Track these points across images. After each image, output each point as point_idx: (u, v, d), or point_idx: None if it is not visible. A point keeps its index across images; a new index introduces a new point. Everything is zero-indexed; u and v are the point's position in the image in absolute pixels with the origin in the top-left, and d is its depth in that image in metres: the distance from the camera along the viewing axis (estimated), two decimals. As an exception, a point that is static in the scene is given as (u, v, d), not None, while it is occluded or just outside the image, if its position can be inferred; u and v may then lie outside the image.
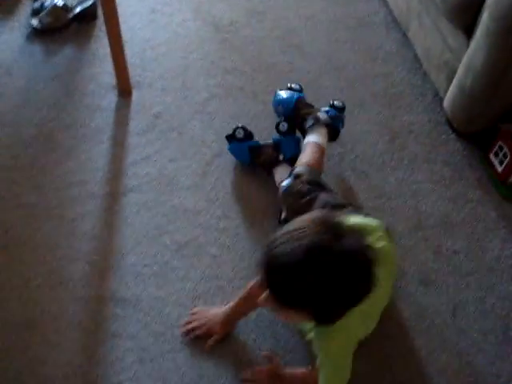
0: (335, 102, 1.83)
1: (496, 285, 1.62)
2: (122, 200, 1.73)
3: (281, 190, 1.55)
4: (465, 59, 1.75)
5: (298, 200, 1.47)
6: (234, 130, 1.78)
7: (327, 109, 1.80)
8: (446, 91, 1.89)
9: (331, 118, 1.76)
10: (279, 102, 1.84)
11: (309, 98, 1.88)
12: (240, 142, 1.77)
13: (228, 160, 1.81)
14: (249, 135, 1.78)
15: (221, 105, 1.96)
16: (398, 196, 1.76)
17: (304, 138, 1.74)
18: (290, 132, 1.77)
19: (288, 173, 1.60)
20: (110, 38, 1.77)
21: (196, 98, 1.97)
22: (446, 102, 1.89)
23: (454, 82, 1.82)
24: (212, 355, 1.46)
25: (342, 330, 1.21)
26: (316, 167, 1.60)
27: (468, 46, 1.73)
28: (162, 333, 1.49)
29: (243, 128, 1.78)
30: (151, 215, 1.70)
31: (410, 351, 1.49)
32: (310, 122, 1.73)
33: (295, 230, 1.08)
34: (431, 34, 1.93)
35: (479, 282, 1.62)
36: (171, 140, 1.87)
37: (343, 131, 1.84)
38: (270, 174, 1.74)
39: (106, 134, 1.86)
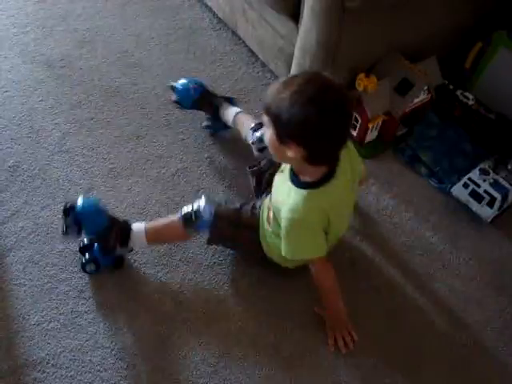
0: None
1: (382, 234, 1.78)
2: (4, 262, 1.62)
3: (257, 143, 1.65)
4: (298, 42, 1.87)
5: None
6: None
7: None
8: (287, 75, 2.00)
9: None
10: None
11: (161, 110, 2.01)
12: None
13: (101, 192, 1.78)
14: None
15: (77, 140, 1.91)
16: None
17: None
18: None
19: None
20: None
21: (49, 140, 1.90)
22: (291, 86, 2.01)
23: (293, 65, 1.93)
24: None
25: (310, 199, 1.36)
26: None
27: (297, 29, 1.85)
28: (91, 381, 1.44)
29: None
30: (40, 268, 1.62)
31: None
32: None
33: (295, 91, 1.23)
34: (260, 26, 2.03)
35: (371, 235, 1.77)
36: (36, 188, 1.78)
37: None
38: None
39: (-36, 199, 1.73)
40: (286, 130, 1.27)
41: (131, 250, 1.63)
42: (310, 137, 1.26)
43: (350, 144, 1.42)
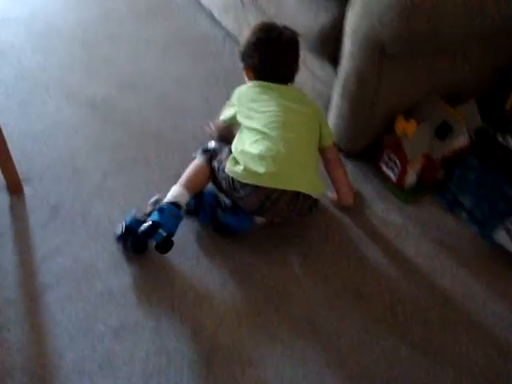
0: None
1: (421, 279, 1.74)
2: (43, 299, 1.63)
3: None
4: (337, 86, 1.88)
5: None
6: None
7: None
8: (325, 118, 2.01)
9: None
10: None
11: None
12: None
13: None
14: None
15: (117, 180, 1.94)
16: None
17: None
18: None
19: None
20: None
21: (91, 180, 1.94)
22: (329, 128, 2.02)
23: (332, 108, 1.95)
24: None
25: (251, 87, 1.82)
26: None
27: (336, 73, 1.87)
28: (124, 423, 1.42)
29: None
30: (78, 307, 1.63)
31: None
32: None
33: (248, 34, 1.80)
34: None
35: (408, 278, 1.73)
36: (77, 226, 1.81)
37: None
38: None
39: (6, 235, 1.77)
40: (241, 57, 1.82)
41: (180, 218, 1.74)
42: (253, 56, 1.77)
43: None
